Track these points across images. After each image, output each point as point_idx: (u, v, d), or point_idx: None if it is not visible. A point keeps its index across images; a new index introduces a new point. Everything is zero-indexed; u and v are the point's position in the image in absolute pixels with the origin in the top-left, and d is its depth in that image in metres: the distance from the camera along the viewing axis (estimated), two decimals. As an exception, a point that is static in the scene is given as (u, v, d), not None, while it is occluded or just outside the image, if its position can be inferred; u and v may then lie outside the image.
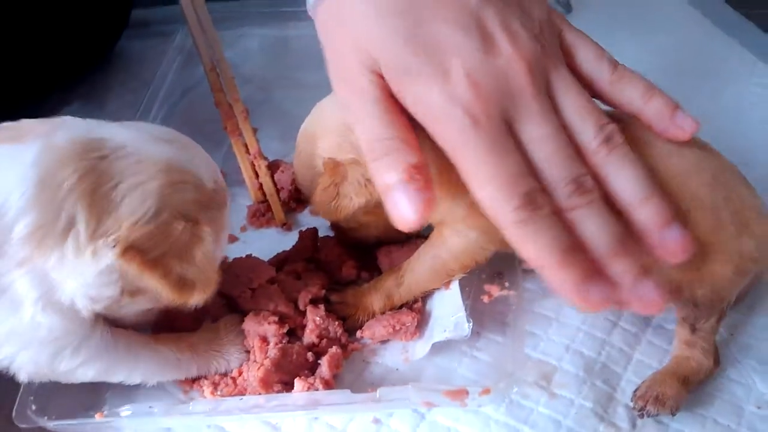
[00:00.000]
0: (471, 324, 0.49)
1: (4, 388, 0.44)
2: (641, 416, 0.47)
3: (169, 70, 0.73)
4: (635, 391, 0.47)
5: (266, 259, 0.55)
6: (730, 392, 0.49)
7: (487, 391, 0.44)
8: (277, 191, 0.63)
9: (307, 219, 0.63)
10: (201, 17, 0.58)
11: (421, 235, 0.55)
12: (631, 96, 0.38)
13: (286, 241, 0.58)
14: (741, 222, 0.45)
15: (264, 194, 0.63)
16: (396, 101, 0.37)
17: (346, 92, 0.38)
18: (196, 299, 0.42)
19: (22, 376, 0.43)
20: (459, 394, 0.44)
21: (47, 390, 0.45)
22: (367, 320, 0.52)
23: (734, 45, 0.77)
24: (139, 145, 0.42)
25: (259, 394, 0.47)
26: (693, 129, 0.38)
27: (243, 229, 0.63)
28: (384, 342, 0.52)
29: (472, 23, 0.36)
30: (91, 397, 0.48)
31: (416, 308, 0.52)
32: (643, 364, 0.50)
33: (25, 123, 0.43)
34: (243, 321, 0.50)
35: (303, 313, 0.52)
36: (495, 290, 0.52)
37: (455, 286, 0.51)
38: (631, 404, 0.47)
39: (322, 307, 0.51)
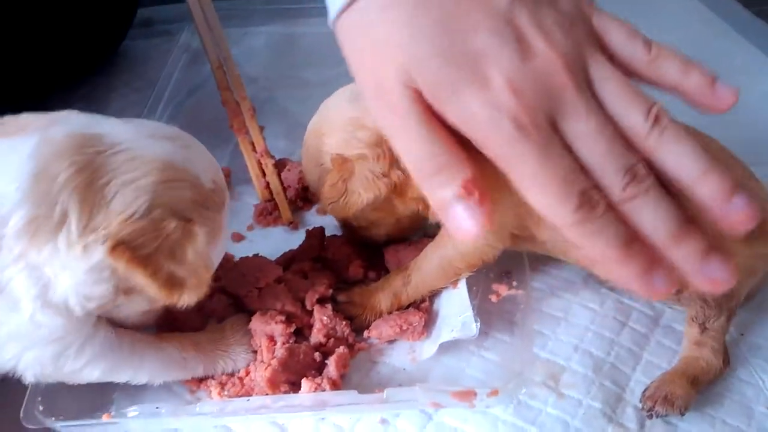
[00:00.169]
0: (479, 324, 0.49)
1: (11, 389, 0.44)
2: (650, 417, 0.46)
3: (174, 69, 0.73)
4: (644, 392, 0.47)
5: (273, 258, 0.55)
6: (739, 393, 0.48)
7: (495, 393, 0.44)
8: (284, 190, 0.62)
9: (314, 218, 0.63)
10: (208, 15, 0.58)
11: (429, 234, 0.55)
12: (669, 72, 0.37)
13: (293, 239, 0.58)
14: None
15: (271, 193, 0.63)
16: (437, 116, 0.36)
17: (385, 111, 0.38)
18: (185, 299, 0.41)
19: (29, 377, 0.43)
20: (467, 396, 0.44)
21: (54, 391, 0.45)
22: (375, 320, 0.52)
23: (744, 43, 0.77)
24: (137, 142, 0.42)
25: (266, 394, 0.46)
26: (733, 99, 0.37)
27: (250, 227, 0.62)
28: (391, 342, 0.52)
29: (506, 27, 0.36)
30: (99, 397, 0.47)
31: (423, 308, 0.52)
32: (652, 365, 0.50)
33: (24, 117, 0.43)
34: (249, 321, 0.50)
35: (310, 313, 0.51)
36: (503, 289, 0.52)
37: (463, 285, 0.51)
38: (640, 405, 0.47)
39: (329, 306, 0.51)
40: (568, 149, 0.35)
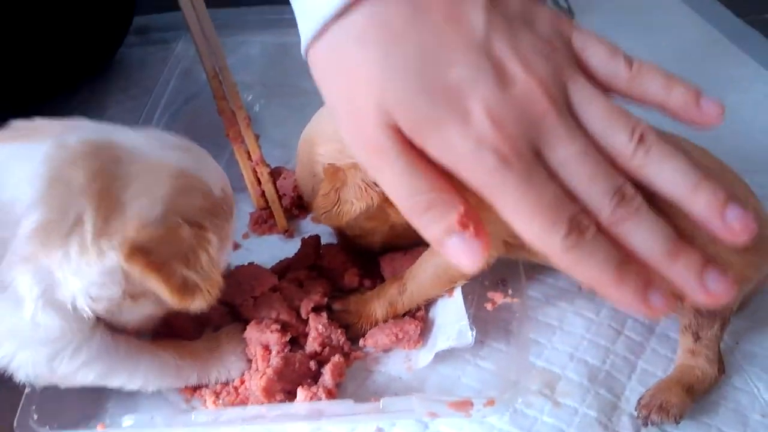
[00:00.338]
0: (474, 332, 0.49)
1: (6, 397, 0.44)
2: (645, 425, 0.46)
3: (170, 77, 0.73)
4: (639, 400, 0.47)
5: (268, 266, 0.55)
6: (734, 400, 0.48)
7: (491, 403, 0.44)
8: (279, 198, 0.63)
9: (309, 226, 0.63)
10: (203, 24, 0.58)
11: (424, 242, 0.55)
12: (652, 89, 0.37)
13: (289, 248, 0.58)
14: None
15: (266, 201, 0.63)
16: (418, 151, 0.35)
17: (366, 151, 0.37)
18: (198, 304, 0.42)
19: (21, 376, 0.43)
20: (464, 405, 0.44)
21: (49, 400, 0.45)
22: (370, 328, 0.52)
23: (737, 52, 0.77)
24: (151, 151, 0.43)
25: (262, 403, 0.46)
26: (719, 113, 0.37)
27: (245, 236, 0.62)
28: (387, 350, 0.52)
29: (483, 58, 0.35)
30: (93, 407, 0.47)
31: (419, 316, 0.52)
32: (647, 373, 0.50)
33: (39, 122, 0.43)
34: (244, 330, 0.50)
35: (305, 322, 0.51)
36: (498, 298, 0.52)
37: (458, 293, 0.51)
38: (635, 413, 0.47)
39: (324, 315, 0.51)
40: (552, 176, 0.35)
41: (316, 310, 0.52)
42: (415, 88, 0.35)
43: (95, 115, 0.74)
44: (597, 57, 0.37)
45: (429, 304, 0.53)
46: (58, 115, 0.73)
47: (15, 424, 0.44)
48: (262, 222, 0.63)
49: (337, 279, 0.55)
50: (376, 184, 0.49)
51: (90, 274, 0.40)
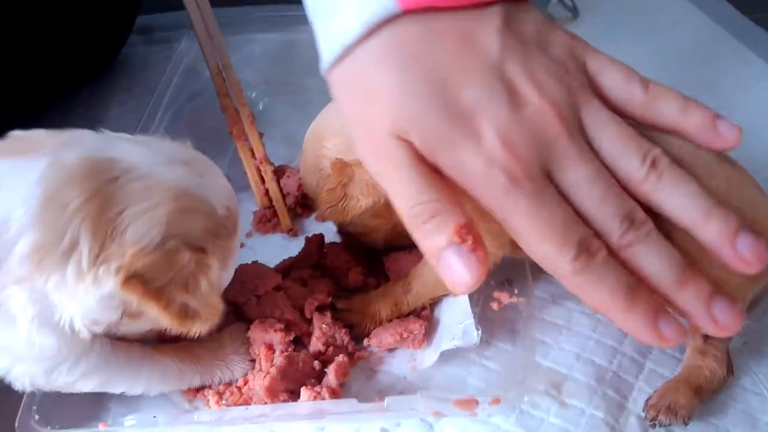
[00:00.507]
0: (480, 332, 0.48)
1: (6, 398, 0.43)
2: (653, 426, 0.46)
3: (173, 75, 0.73)
4: (647, 401, 0.47)
5: (272, 265, 0.55)
6: (744, 402, 0.48)
7: (497, 401, 0.44)
8: (283, 197, 0.62)
9: (313, 225, 0.62)
10: (207, 22, 0.58)
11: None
12: (668, 113, 0.37)
13: (292, 247, 0.58)
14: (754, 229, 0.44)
15: (270, 200, 0.62)
16: (429, 165, 0.36)
17: (377, 162, 0.37)
18: (197, 329, 0.41)
19: (18, 386, 0.43)
20: (469, 404, 0.44)
21: (50, 400, 0.45)
22: (374, 328, 0.51)
23: (743, 50, 0.77)
24: (151, 168, 0.41)
25: (265, 402, 0.46)
26: (737, 136, 0.37)
27: (249, 234, 0.62)
28: (391, 350, 0.51)
29: (496, 80, 0.35)
30: (95, 407, 0.47)
31: (424, 316, 0.52)
32: (655, 374, 0.49)
33: (36, 135, 0.42)
34: (247, 330, 0.50)
35: (309, 321, 0.51)
36: (504, 297, 0.51)
37: (463, 293, 0.51)
38: (643, 414, 0.46)
39: (328, 314, 0.51)
40: (563, 199, 0.35)
41: (320, 309, 0.51)
42: (430, 108, 0.35)
43: (98, 115, 0.75)
44: (612, 80, 0.37)
45: (434, 303, 0.53)
46: (61, 115, 0.73)
47: (16, 425, 0.44)
48: (266, 221, 0.62)
49: (341, 278, 0.55)
50: None
51: (87, 300, 0.39)
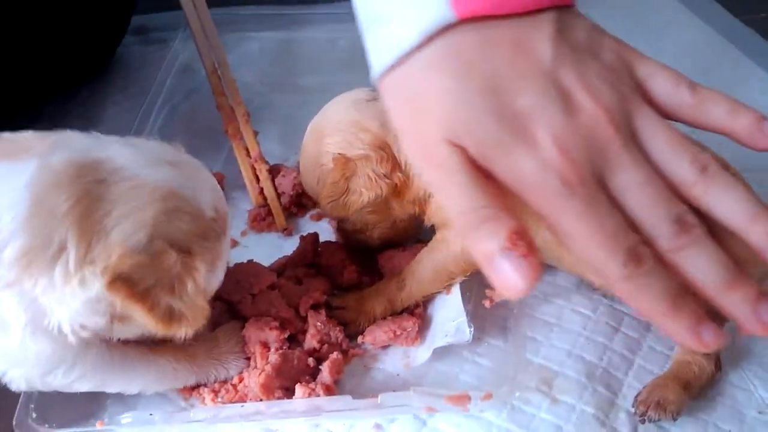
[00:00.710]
0: (472, 329, 0.49)
1: (3, 396, 0.44)
2: (642, 422, 0.47)
3: (167, 75, 0.74)
4: (637, 396, 0.47)
5: (267, 263, 0.55)
6: (731, 397, 0.49)
7: (489, 397, 0.44)
8: (278, 195, 0.63)
9: (308, 224, 0.63)
10: (203, 20, 0.58)
11: (422, 239, 0.55)
12: (717, 116, 0.38)
13: (287, 246, 0.58)
14: None
15: (265, 198, 0.63)
16: (481, 169, 0.36)
17: (429, 167, 0.38)
18: (183, 332, 0.41)
19: (14, 388, 0.43)
20: (461, 400, 0.44)
21: (48, 398, 0.45)
22: (369, 325, 0.52)
23: (735, 52, 0.77)
24: (139, 169, 0.41)
25: (260, 399, 0.46)
26: None
27: (244, 233, 0.62)
28: (385, 347, 0.52)
29: (550, 86, 0.36)
30: (92, 405, 0.47)
31: (417, 313, 0.52)
32: (644, 370, 0.50)
33: (24, 137, 0.42)
34: (242, 328, 0.50)
35: (304, 319, 0.51)
36: (496, 295, 0.52)
37: (456, 290, 0.51)
38: (633, 410, 0.47)
39: (323, 312, 0.51)
40: (615, 204, 0.35)
41: (315, 307, 0.52)
42: (484, 114, 0.36)
43: (94, 115, 0.75)
44: (661, 85, 0.38)
45: (427, 301, 0.53)
46: (57, 115, 0.73)
47: (14, 423, 0.44)
48: (261, 219, 0.63)
49: (336, 276, 0.55)
50: (386, 176, 0.50)
51: (75, 302, 0.39)
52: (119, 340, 0.45)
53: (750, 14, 0.81)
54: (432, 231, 0.53)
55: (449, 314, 0.51)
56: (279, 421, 0.47)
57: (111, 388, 0.46)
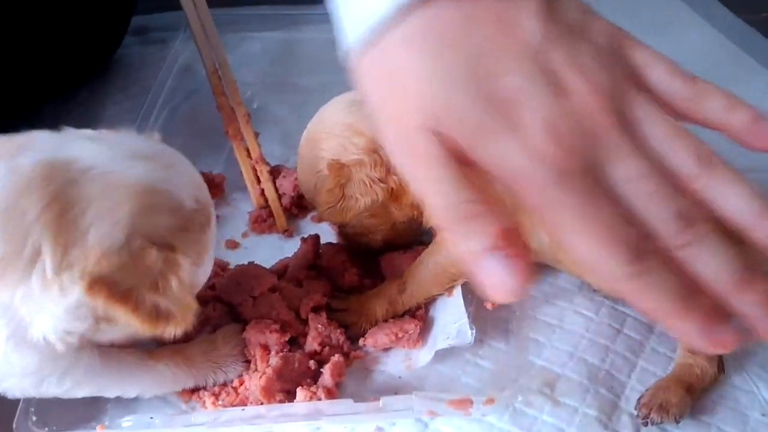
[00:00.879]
0: (474, 331, 0.49)
1: (4, 400, 0.43)
2: (645, 424, 0.46)
3: (168, 75, 0.73)
4: (639, 399, 0.47)
5: (268, 265, 0.55)
6: (734, 399, 0.48)
7: (491, 401, 0.44)
8: (279, 197, 0.62)
9: (308, 226, 0.63)
10: (203, 20, 0.58)
11: (423, 241, 0.55)
12: (713, 110, 0.35)
13: (288, 247, 0.58)
14: None
15: (266, 200, 0.63)
16: (464, 160, 0.34)
17: (408, 158, 0.35)
18: (172, 329, 0.39)
19: (10, 396, 0.42)
20: (463, 404, 0.44)
21: (48, 402, 0.45)
22: (370, 328, 0.51)
23: (736, 51, 0.77)
24: (111, 166, 0.39)
25: (261, 403, 0.46)
26: None
27: (245, 234, 0.62)
28: (386, 350, 0.51)
29: (539, 68, 0.33)
30: (92, 408, 0.47)
31: (419, 315, 0.52)
32: (647, 372, 0.50)
33: None
34: (241, 331, 0.50)
35: (305, 322, 0.51)
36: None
37: (458, 292, 0.51)
38: (635, 412, 0.47)
39: (324, 314, 0.51)
40: (613, 195, 0.32)
41: (316, 309, 0.52)
42: (466, 97, 0.33)
43: (95, 116, 0.74)
44: (657, 74, 0.35)
45: (429, 303, 0.53)
46: (57, 117, 0.72)
47: (14, 426, 0.44)
48: (262, 221, 0.62)
49: (337, 278, 0.55)
50: (381, 180, 0.49)
51: (56, 310, 0.38)
52: (113, 345, 0.45)
53: (752, 14, 0.80)
54: (434, 232, 0.53)
55: (451, 316, 0.51)
56: (280, 424, 0.46)
57: (109, 393, 0.45)
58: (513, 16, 0.34)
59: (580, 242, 0.32)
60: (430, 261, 0.51)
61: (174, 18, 0.82)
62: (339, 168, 0.49)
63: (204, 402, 0.48)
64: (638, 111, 0.34)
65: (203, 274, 0.44)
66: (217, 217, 0.52)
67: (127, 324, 0.39)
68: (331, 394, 0.47)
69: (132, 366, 0.45)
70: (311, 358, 0.49)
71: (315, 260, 0.56)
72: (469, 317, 0.49)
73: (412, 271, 0.52)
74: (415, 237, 0.57)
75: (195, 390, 0.48)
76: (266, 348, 0.49)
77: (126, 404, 0.47)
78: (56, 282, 0.37)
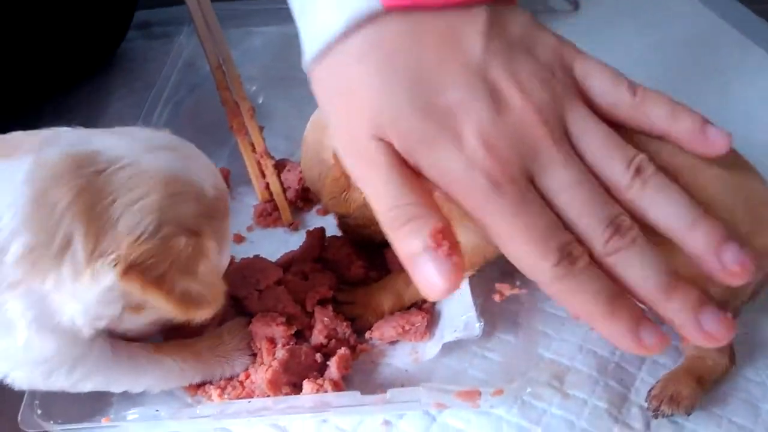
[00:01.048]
0: (482, 324, 0.48)
1: (9, 392, 0.43)
2: (655, 416, 0.46)
3: (172, 70, 0.73)
4: (650, 391, 0.47)
5: (273, 259, 0.55)
6: (746, 391, 0.48)
7: (499, 392, 0.44)
8: (284, 190, 0.62)
9: (314, 219, 0.62)
10: (207, 15, 0.58)
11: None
12: (656, 118, 0.36)
13: (293, 241, 0.58)
14: (755, 218, 0.44)
15: (271, 193, 0.62)
16: (410, 167, 0.35)
17: (357, 163, 0.37)
18: (203, 314, 0.41)
19: (17, 388, 0.43)
20: (471, 395, 0.44)
21: (53, 394, 0.45)
22: (376, 321, 0.51)
23: (742, 40, 0.76)
24: (136, 156, 0.41)
25: (267, 396, 0.46)
26: (726, 142, 0.36)
27: (250, 228, 0.62)
28: (393, 343, 0.51)
29: (479, 81, 0.35)
30: (98, 401, 0.47)
31: (426, 308, 0.52)
32: (657, 364, 0.49)
33: (14, 136, 0.42)
34: (248, 325, 0.50)
35: (311, 315, 0.51)
36: (506, 289, 0.51)
37: (465, 285, 0.51)
38: (646, 404, 0.46)
39: (330, 307, 0.51)
40: (545, 204, 0.34)
41: (322, 302, 0.51)
42: (410, 108, 0.35)
43: (98, 111, 0.74)
44: (599, 84, 0.37)
45: (435, 295, 0.53)
46: (60, 112, 0.73)
47: (19, 419, 0.44)
48: (267, 215, 0.62)
49: (343, 271, 0.55)
50: None
51: (87, 296, 0.39)
52: (124, 337, 0.45)
53: (760, 3, 0.80)
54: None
55: (458, 309, 0.50)
56: (286, 417, 0.46)
57: (115, 388, 0.45)
58: (458, 31, 0.35)
59: (512, 247, 0.34)
60: (437, 254, 0.51)
61: (177, 13, 0.82)
62: None
63: (210, 395, 0.47)
64: (574, 122, 0.35)
65: (225, 259, 0.45)
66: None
67: (159, 309, 0.40)
68: (337, 386, 0.47)
69: (141, 359, 0.46)
70: (317, 351, 0.49)
71: (321, 253, 0.56)
72: (476, 310, 0.49)
73: (419, 263, 0.52)
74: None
75: (201, 384, 0.48)
76: (272, 341, 0.49)
77: (132, 397, 0.47)
78: (89, 269, 0.38)
